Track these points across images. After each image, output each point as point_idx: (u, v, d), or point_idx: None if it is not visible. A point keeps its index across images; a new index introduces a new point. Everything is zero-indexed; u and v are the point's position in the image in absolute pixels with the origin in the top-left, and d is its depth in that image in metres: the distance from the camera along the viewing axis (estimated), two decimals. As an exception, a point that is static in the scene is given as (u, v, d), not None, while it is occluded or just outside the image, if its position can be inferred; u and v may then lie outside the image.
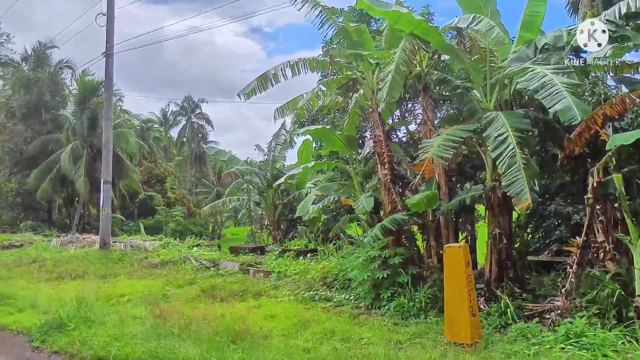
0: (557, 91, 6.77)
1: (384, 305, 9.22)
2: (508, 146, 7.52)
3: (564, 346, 6.42)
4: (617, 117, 10.16)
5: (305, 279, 11.94)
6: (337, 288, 10.90)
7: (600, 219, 7.37)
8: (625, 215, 6.88)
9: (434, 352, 6.61)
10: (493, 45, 9.19)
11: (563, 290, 7.22)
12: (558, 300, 7.28)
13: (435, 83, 9.73)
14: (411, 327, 7.97)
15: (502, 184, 7.29)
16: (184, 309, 9.32)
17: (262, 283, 12.43)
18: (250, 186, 20.08)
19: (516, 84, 9.45)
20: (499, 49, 9.49)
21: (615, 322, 6.75)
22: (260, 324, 8.55)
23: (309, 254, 15.09)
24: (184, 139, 65.05)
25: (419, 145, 8.62)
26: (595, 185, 7.09)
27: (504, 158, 7.46)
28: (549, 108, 6.73)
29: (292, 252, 15.37)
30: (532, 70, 7.44)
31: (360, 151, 11.90)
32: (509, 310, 8.02)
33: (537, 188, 7.05)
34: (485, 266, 9.43)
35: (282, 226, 20.75)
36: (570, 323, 6.70)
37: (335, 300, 10.06)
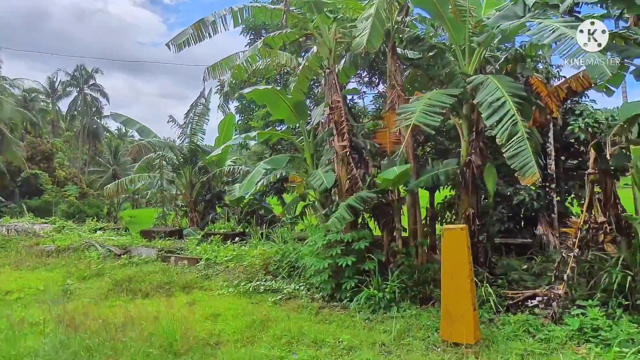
0: (576, 46, 5.82)
1: (347, 297, 7.95)
2: (507, 112, 6.49)
3: (579, 343, 5.59)
4: (581, 91, 9.73)
5: (243, 267, 10.33)
6: (283, 277, 9.43)
7: (598, 197, 6.65)
8: (637, 191, 6.18)
9: (438, 359, 5.43)
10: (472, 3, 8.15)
11: (565, 276, 6.40)
12: (558, 289, 6.45)
13: (407, 42, 8.50)
14: (388, 324, 6.75)
15: (505, 155, 6.25)
16: (99, 310, 7.31)
17: (189, 272, 10.59)
18: (164, 162, 17.68)
19: (486, 50, 8.61)
20: (475, 9, 8.51)
21: (621, 311, 6.05)
22: (204, 326, 6.85)
23: (237, 238, 13.42)
24: (75, 112, 58.62)
25: (397, 112, 7.34)
26: (609, 158, 6.32)
27: (504, 126, 6.41)
28: (572, 65, 5.78)
29: (218, 236, 13.59)
30: (537, 24, 6.45)
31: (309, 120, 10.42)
32: (491, 299, 7.12)
33: (542, 162, 6.27)
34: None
35: (199, 207, 18.66)
36: (583, 315, 5.87)
37: (285, 291, 8.60)
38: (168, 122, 19.01)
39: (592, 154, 6.53)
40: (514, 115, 6.41)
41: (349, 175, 8.91)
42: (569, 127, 12.23)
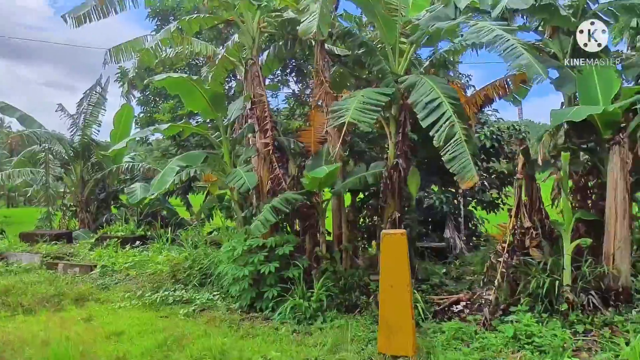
0: (513, 46, 5.79)
1: (268, 307, 7.33)
2: (444, 114, 6.33)
3: (514, 350, 5.50)
4: (498, 99, 10.03)
5: (147, 275, 9.27)
6: (195, 285, 8.57)
7: (524, 202, 6.71)
8: (564, 196, 6.30)
9: (380, 374, 5.03)
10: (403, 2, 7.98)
11: (495, 282, 6.35)
12: (489, 294, 6.40)
13: (338, 37, 8.10)
14: (317, 336, 6.25)
15: (444, 158, 6.05)
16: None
17: (82, 282, 9.31)
18: (50, 156, 15.66)
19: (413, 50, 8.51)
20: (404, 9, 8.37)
21: (547, 315, 6.12)
22: (105, 348, 5.83)
23: (137, 242, 12.17)
24: (-62, 97, 51.20)
25: (331, 109, 6.89)
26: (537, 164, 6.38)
27: (441, 128, 6.23)
28: (509, 64, 5.73)
29: (115, 239, 12.22)
30: (472, 26, 6.37)
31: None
32: (419, 305, 6.92)
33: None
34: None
35: (91, 207, 16.83)
36: (517, 322, 5.82)
37: (198, 302, 7.76)
38: (57, 110, 16.93)
39: (520, 159, 6.58)
40: (451, 116, 6.27)
41: (271, 175, 8.31)
42: (476, 135, 12.69)
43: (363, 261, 8.89)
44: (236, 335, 6.36)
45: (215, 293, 8.15)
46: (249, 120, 8.58)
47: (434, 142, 6.28)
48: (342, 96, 7.92)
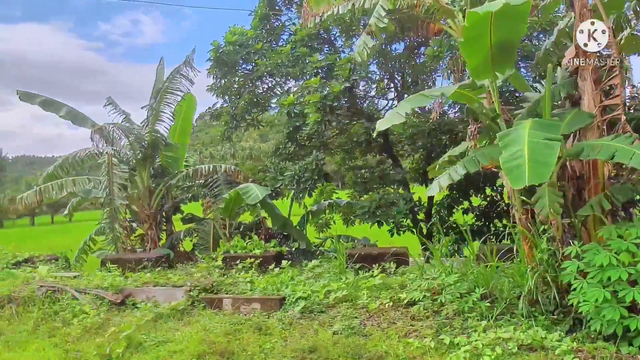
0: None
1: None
2: None
3: None
4: None
5: (397, 308, 6.41)
6: (495, 319, 5.78)
7: None
8: None
9: None
10: None
11: None
12: None
13: None
14: None
15: None
16: None
17: (309, 328, 6.31)
18: (114, 159, 12.12)
19: None
20: None
21: None
22: None
23: (284, 261, 9.20)
24: None
25: None
26: None
27: None
28: None
29: (250, 259, 9.16)
30: None
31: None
32: None
33: None
34: None
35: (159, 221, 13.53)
36: None
37: (559, 349, 5.01)
38: (105, 106, 13.55)
39: None
40: None
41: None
42: None
43: None
44: None
45: (561, 331, 5.40)
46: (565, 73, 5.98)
47: None
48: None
